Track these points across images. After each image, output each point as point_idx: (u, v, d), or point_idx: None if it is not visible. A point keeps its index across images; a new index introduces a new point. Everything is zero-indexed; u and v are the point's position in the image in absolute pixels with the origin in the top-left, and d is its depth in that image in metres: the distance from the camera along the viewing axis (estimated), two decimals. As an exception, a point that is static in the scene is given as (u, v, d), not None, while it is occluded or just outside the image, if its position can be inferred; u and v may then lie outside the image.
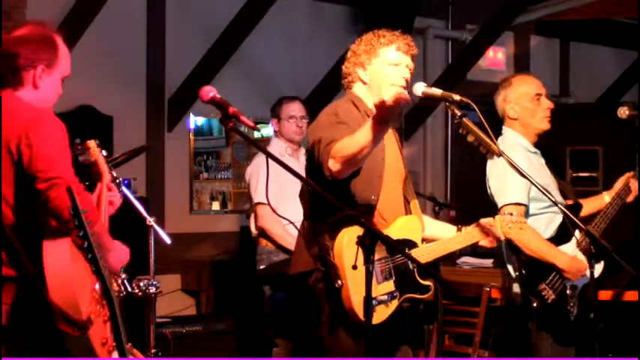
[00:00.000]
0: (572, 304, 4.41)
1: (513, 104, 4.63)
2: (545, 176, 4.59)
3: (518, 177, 4.21)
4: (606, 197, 4.76)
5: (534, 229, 4.43)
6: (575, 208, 4.55)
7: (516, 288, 4.54)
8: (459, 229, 4.11)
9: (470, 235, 4.09)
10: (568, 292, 4.42)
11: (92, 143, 3.93)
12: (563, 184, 4.74)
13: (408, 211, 4.00)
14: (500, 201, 4.47)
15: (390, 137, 4.00)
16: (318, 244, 3.72)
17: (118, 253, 3.57)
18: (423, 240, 4.00)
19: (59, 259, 3.26)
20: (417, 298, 3.93)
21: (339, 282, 3.62)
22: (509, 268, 4.58)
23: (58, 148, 3.32)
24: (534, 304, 4.37)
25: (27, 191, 3.31)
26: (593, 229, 4.52)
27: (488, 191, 4.59)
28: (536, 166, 4.59)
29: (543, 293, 4.39)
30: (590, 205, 4.74)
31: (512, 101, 4.63)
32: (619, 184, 4.77)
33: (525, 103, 4.62)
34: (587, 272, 4.49)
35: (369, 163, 3.79)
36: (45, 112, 3.41)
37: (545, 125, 4.65)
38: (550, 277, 4.42)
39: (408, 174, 4.14)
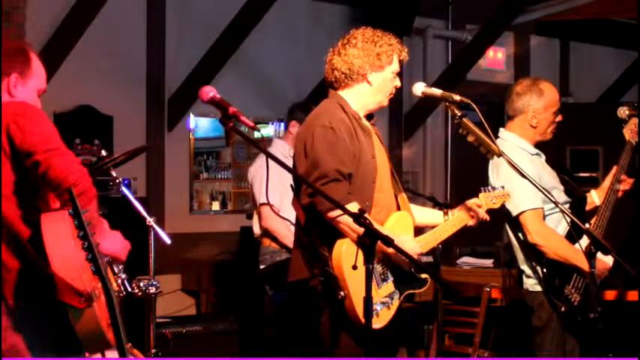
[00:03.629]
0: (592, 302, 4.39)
1: (538, 113, 4.57)
2: (551, 177, 4.60)
3: (526, 182, 4.22)
4: (593, 194, 4.76)
5: (559, 234, 4.44)
6: (580, 202, 4.56)
7: (530, 286, 4.56)
8: (446, 214, 4.11)
9: (458, 219, 4.10)
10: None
11: None
12: (565, 179, 4.74)
13: (397, 206, 4.00)
14: (515, 209, 4.44)
15: (374, 135, 3.99)
16: (315, 253, 3.71)
17: (111, 241, 3.56)
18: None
19: (59, 232, 3.27)
20: (415, 292, 3.95)
21: (342, 293, 3.61)
22: (524, 267, 4.57)
23: (49, 127, 3.38)
24: (562, 309, 4.37)
25: (24, 175, 3.34)
26: (599, 221, 4.53)
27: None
28: (541, 168, 4.59)
29: (570, 297, 4.40)
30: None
31: (538, 110, 4.57)
32: (608, 181, 4.75)
33: (548, 114, 4.60)
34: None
35: (361, 169, 3.80)
36: (26, 103, 3.47)
37: (550, 137, 4.68)
38: (572, 280, 4.43)
39: (402, 174, 4.15)
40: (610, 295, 4.98)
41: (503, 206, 4.34)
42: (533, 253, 4.47)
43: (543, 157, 4.68)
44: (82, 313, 3.25)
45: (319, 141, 3.75)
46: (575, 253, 4.37)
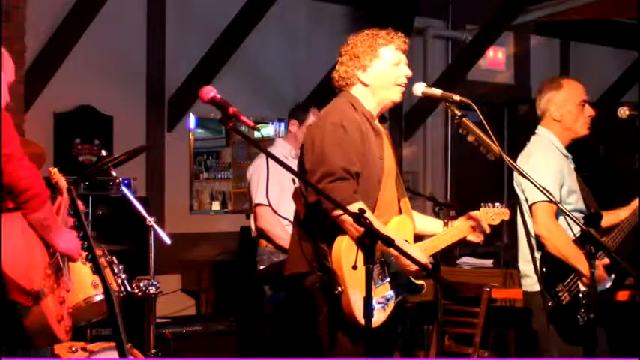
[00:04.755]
0: (582, 309, 4.40)
1: (559, 107, 4.65)
2: (574, 182, 4.62)
3: (549, 176, 4.26)
4: (621, 213, 4.77)
5: (566, 234, 4.45)
6: (596, 217, 4.56)
7: (529, 286, 4.55)
8: (446, 225, 4.12)
9: (458, 230, 4.11)
10: (580, 295, 4.42)
11: (54, 170, 3.96)
12: (587, 193, 4.75)
13: (399, 210, 4.00)
14: (531, 198, 4.47)
15: (384, 136, 4.00)
16: (315, 248, 3.71)
17: (65, 240, 3.57)
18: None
19: (10, 232, 3.33)
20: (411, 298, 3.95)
21: (339, 289, 3.61)
22: (525, 266, 4.58)
23: (7, 131, 3.36)
24: (549, 304, 4.38)
25: None
26: (610, 241, 4.54)
27: (516, 188, 4.59)
28: (568, 170, 4.62)
29: (560, 294, 4.40)
30: (605, 219, 4.75)
31: (558, 103, 4.66)
32: (636, 202, 4.76)
33: (571, 107, 4.67)
34: (608, 284, 4.53)
35: (368, 169, 3.80)
36: None
37: (584, 131, 4.72)
38: (568, 279, 4.43)
39: (402, 174, 4.15)
40: (622, 295, 4.99)
41: (516, 195, 4.44)
42: (536, 247, 4.48)
43: (573, 164, 4.71)
44: (29, 310, 3.34)
45: (329, 138, 3.75)
46: (577, 255, 4.37)
